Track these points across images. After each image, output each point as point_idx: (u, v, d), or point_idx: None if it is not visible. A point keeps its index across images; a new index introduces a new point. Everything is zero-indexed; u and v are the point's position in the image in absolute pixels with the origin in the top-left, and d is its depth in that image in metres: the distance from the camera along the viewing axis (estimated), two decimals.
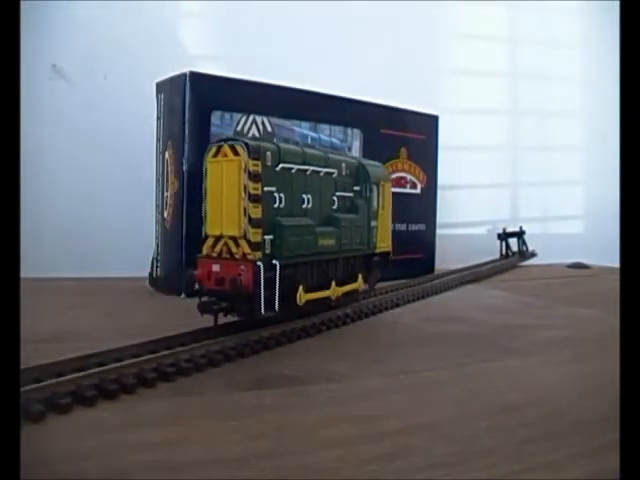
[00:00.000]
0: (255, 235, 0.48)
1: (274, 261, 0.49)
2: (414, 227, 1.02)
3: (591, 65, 1.48)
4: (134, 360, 0.41)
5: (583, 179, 1.52)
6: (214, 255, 0.49)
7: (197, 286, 0.50)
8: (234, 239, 0.48)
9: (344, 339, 0.56)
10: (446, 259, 1.08)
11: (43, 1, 0.89)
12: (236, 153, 0.48)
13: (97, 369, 0.39)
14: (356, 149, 0.92)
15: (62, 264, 0.88)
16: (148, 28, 0.98)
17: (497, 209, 1.42)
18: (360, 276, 0.65)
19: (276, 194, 0.51)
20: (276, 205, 0.51)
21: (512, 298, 0.84)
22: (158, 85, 0.82)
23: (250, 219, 0.48)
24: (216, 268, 0.49)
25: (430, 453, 0.30)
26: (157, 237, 0.82)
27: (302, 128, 0.86)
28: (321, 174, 0.58)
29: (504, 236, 1.26)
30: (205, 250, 0.50)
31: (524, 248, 1.29)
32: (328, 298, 0.58)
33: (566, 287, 0.99)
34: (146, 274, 0.83)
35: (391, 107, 0.97)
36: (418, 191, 1.04)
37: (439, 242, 1.08)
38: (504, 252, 1.26)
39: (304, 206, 0.55)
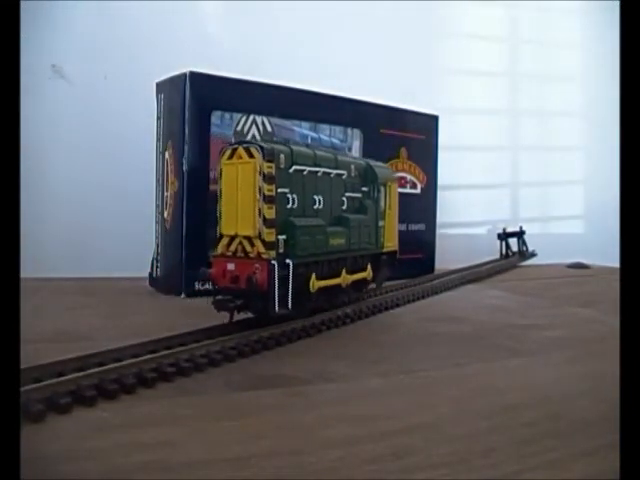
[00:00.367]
0: (269, 235, 0.49)
1: (287, 260, 0.50)
2: (414, 227, 1.02)
3: (591, 65, 1.48)
4: (134, 360, 0.41)
5: (583, 179, 1.52)
6: (229, 254, 0.51)
7: (210, 285, 0.52)
8: (249, 239, 0.50)
9: (344, 339, 0.56)
10: (446, 259, 1.08)
11: (43, 1, 0.89)
12: (251, 155, 0.50)
13: (97, 369, 0.39)
14: (356, 149, 0.92)
15: (62, 264, 0.88)
16: (148, 28, 0.98)
17: (497, 209, 1.42)
18: (369, 265, 0.66)
19: (289, 195, 0.53)
20: (289, 206, 0.53)
21: (512, 298, 0.84)
22: (158, 85, 0.82)
23: (265, 219, 0.49)
24: (231, 267, 0.50)
25: (430, 453, 0.30)
26: (157, 237, 0.82)
27: (302, 128, 0.86)
28: (331, 175, 0.59)
29: (504, 236, 1.26)
30: (220, 249, 0.52)
31: (524, 248, 1.29)
32: (339, 286, 0.59)
33: (566, 287, 0.99)
34: (146, 274, 0.83)
35: (391, 107, 0.97)
36: (418, 191, 1.04)
37: (439, 242, 1.08)
38: (504, 252, 1.26)
39: (315, 207, 0.57)
